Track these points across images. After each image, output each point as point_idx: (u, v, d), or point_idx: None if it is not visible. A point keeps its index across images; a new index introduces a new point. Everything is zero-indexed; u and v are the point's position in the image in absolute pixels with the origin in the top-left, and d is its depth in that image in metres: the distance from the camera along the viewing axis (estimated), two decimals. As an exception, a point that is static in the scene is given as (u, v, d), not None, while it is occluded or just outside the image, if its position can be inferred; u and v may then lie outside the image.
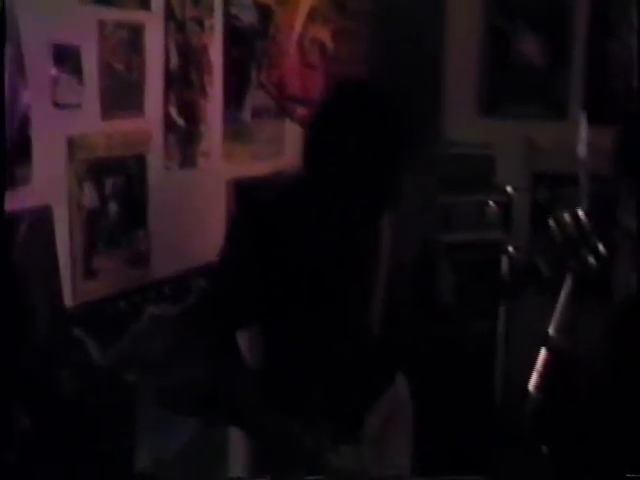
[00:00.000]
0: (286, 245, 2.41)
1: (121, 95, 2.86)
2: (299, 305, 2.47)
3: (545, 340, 2.97)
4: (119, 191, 2.86)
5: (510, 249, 4.43)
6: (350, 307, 2.48)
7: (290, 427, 2.44)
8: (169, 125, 3.11)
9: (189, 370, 2.45)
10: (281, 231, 2.41)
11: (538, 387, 2.98)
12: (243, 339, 2.59)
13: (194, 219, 3.28)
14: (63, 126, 2.62)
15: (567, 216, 2.42)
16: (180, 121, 3.16)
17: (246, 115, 3.59)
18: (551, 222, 2.44)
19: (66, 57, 2.59)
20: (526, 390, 3.05)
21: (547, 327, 3.05)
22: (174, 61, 3.11)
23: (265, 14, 3.68)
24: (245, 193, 3.43)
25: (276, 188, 2.55)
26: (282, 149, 3.87)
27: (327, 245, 2.43)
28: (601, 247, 2.36)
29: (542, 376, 2.95)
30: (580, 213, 2.19)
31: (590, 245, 2.39)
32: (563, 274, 2.75)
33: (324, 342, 2.48)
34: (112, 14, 2.79)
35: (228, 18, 3.42)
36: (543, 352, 3.05)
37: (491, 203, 4.46)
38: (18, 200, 2.40)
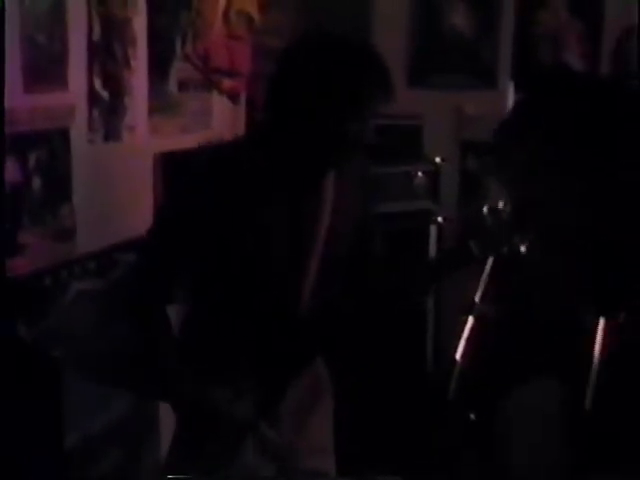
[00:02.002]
0: (223, 216, 2.40)
1: (44, 68, 2.81)
2: (231, 278, 2.47)
3: (471, 308, 3.01)
4: (43, 166, 2.82)
5: (439, 219, 4.47)
6: (282, 282, 2.49)
7: (218, 398, 2.45)
8: (93, 98, 3.07)
9: (116, 344, 2.44)
10: (217, 201, 2.40)
11: (465, 355, 3.01)
12: (173, 313, 2.59)
13: (120, 193, 3.25)
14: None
15: (502, 204, 2.48)
16: (104, 94, 3.12)
17: (172, 88, 3.56)
18: (485, 210, 2.50)
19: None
20: (454, 359, 3.09)
21: (474, 295, 3.08)
22: (97, 33, 3.07)
23: (189, -14, 3.64)
24: (173, 167, 3.41)
25: (208, 159, 2.53)
26: (210, 122, 3.85)
27: (264, 217, 2.42)
28: (532, 236, 2.42)
29: (469, 344, 2.99)
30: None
31: (522, 234, 2.45)
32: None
33: (253, 315, 2.49)
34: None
35: (152, -10, 3.38)
36: (470, 320, 3.09)
37: (419, 173, 4.48)
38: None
